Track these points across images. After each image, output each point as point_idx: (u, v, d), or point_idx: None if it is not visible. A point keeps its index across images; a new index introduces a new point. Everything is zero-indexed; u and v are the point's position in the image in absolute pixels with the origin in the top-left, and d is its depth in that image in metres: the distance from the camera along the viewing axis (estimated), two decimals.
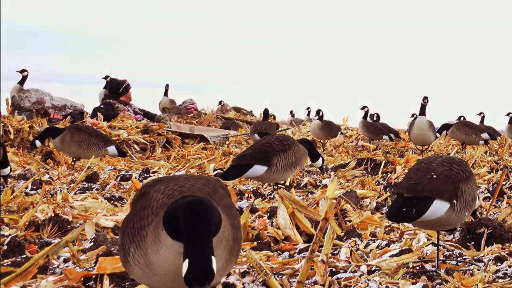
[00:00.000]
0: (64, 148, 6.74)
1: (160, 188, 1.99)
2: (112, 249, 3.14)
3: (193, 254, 1.70)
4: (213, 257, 1.70)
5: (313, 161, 5.61)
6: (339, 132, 11.24)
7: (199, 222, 1.74)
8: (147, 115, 11.27)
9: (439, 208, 2.94)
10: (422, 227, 3.24)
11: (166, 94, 16.13)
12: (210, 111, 15.60)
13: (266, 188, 5.77)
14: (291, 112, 21.18)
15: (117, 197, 4.87)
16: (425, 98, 9.31)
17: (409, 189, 2.96)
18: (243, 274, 2.94)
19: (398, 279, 2.95)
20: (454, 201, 2.98)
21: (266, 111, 11.11)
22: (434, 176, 3.00)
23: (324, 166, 5.79)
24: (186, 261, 1.69)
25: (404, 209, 2.90)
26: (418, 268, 3.17)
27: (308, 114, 19.97)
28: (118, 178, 6.02)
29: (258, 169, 5.06)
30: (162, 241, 1.84)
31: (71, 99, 10.53)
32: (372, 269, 3.13)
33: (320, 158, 5.61)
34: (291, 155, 5.17)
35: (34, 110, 9.88)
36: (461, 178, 3.04)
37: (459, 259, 3.37)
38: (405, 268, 3.11)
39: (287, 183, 5.85)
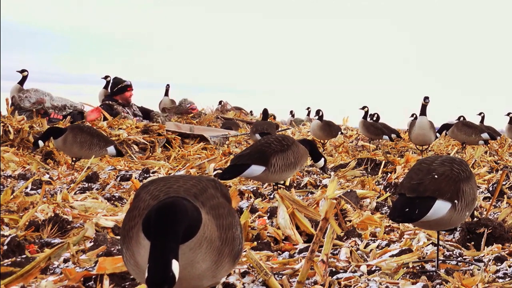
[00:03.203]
0: (66, 148, 6.73)
1: (150, 189, 2.01)
2: (112, 249, 3.14)
3: (152, 257, 1.69)
4: (174, 260, 1.68)
5: (315, 161, 5.59)
6: (339, 132, 11.25)
7: (161, 225, 1.74)
8: (143, 111, 11.23)
9: (441, 208, 2.95)
10: (422, 227, 3.24)
11: (166, 94, 16.12)
12: (210, 111, 15.61)
13: (266, 188, 5.77)
14: (291, 112, 21.20)
15: (117, 197, 4.87)
16: (426, 98, 9.31)
17: (411, 189, 2.96)
18: (243, 274, 2.94)
19: (398, 279, 2.95)
20: (456, 201, 2.98)
21: (265, 111, 11.12)
22: (436, 176, 3.00)
23: (326, 167, 5.76)
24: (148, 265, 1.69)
25: (407, 209, 2.91)
26: (418, 268, 3.17)
27: (308, 114, 19.98)
28: (118, 178, 6.02)
29: (256, 169, 5.04)
30: (141, 243, 1.86)
31: (71, 99, 10.51)
32: (372, 269, 3.12)
33: (322, 159, 5.58)
34: (289, 156, 5.15)
35: (34, 110, 9.87)
36: (462, 178, 3.05)
37: (459, 259, 3.37)
38: (405, 268, 3.11)
39: (287, 183, 5.85)
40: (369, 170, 7.48)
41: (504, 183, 5.74)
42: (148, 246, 1.80)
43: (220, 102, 17.87)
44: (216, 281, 2.03)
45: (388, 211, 4.70)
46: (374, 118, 12.51)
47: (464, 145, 10.60)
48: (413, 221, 2.94)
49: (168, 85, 16.27)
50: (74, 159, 6.92)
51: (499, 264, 3.20)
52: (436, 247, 3.29)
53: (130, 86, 11.12)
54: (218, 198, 2.07)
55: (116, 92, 11.01)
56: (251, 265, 2.96)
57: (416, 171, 3.07)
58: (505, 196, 5.25)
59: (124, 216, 2.04)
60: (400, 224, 4.01)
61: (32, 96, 10.09)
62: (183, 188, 1.99)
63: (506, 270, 3.08)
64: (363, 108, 11.73)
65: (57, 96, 10.43)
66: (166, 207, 1.78)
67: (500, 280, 2.94)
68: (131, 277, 2.76)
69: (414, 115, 14.69)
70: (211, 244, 1.90)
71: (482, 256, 3.39)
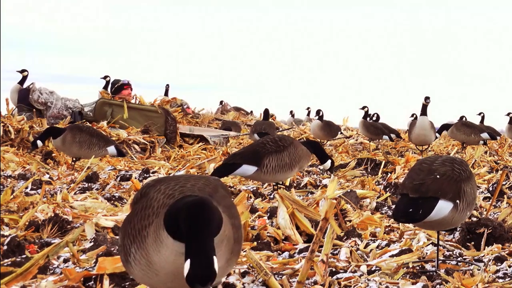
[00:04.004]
0: (65, 148, 6.73)
1: (161, 188, 1.98)
2: (112, 249, 3.14)
3: (194, 254, 1.69)
4: (214, 256, 1.70)
5: (321, 163, 5.54)
6: (339, 132, 11.25)
7: (200, 222, 1.74)
8: None
9: (443, 208, 2.95)
10: (423, 227, 3.24)
11: (166, 94, 16.10)
12: (210, 113, 15.64)
13: (266, 188, 5.77)
14: (291, 112, 21.20)
15: (117, 197, 4.87)
16: (427, 98, 9.30)
17: (413, 190, 2.96)
18: (243, 274, 2.94)
19: (398, 279, 2.95)
20: (457, 201, 2.99)
21: (266, 111, 11.11)
22: (438, 176, 3.00)
23: (333, 168, 5.69)
24: (188, 261, 1.69)
25: (410, 210, 2.91)
26: (418, 268, 3.17)
27: (308, 114, 19.98)
28: (118, 178, 6.02)
29: (247, 169, 5.02)
30: (163, 242, 1.84)
31: (70, 99, 10.48)
32: (372, 269, 3.12)
33: (329, 160, 5.50)
34: (285, 157, 5.09)
35: (34, 109, 9.85)
36: (463, 178, 3.05)
37: (459, 259, 3.37)
38: (405, 268, 3.11)
39: (287, 183, 5.84)
40: (369, 170, 7.49)
41: (504, 183, 5.74)
42: (171, 244, 1.81)
43: (221, 102, 17.90)
44: (219, 280, 2.04)
45: (388, 211, 4.70)
46: (374, 118, 12.51)
47: (464, 145, 10.60)
48: (416, 221, 2.94)
49: (168, 85, 16.28)
50: (74, 159, 6.92)
51: (499, 264, 3.20)
52: (436, 247, 3.29)
53: (127, 85, 11.14)
54: (229, 197, 2.09)
55: (114, 92, 11.07)
56: (251, 265, 2.96)
57: (417, 171, 3.07)
58: (505, 196, 5.25)
59: (128, 216, 2.02)
60: (400, 224, 4.01)
61: (43, 95, 10.00)
62: (197, 187, 1.99)
63: (506, 270, 3.08)
64: (363, 108, 11.73)
65: (58, 96, 10.41)
66: (199, 205, 1.78)
67: (500, 280, 2.94)
68: (131, 277, 2.76)
69: (414, 115, 14.69)
70: (229, 243, 1.92)
71: (482, 256, 3.39)
